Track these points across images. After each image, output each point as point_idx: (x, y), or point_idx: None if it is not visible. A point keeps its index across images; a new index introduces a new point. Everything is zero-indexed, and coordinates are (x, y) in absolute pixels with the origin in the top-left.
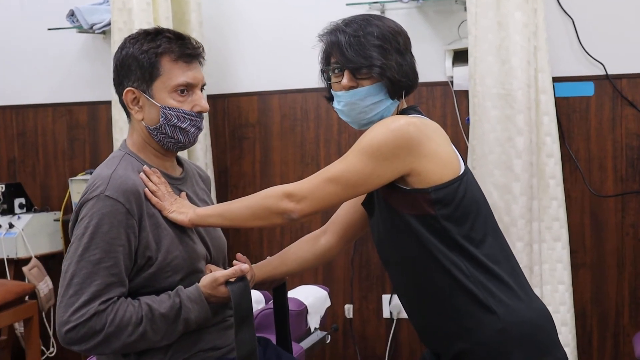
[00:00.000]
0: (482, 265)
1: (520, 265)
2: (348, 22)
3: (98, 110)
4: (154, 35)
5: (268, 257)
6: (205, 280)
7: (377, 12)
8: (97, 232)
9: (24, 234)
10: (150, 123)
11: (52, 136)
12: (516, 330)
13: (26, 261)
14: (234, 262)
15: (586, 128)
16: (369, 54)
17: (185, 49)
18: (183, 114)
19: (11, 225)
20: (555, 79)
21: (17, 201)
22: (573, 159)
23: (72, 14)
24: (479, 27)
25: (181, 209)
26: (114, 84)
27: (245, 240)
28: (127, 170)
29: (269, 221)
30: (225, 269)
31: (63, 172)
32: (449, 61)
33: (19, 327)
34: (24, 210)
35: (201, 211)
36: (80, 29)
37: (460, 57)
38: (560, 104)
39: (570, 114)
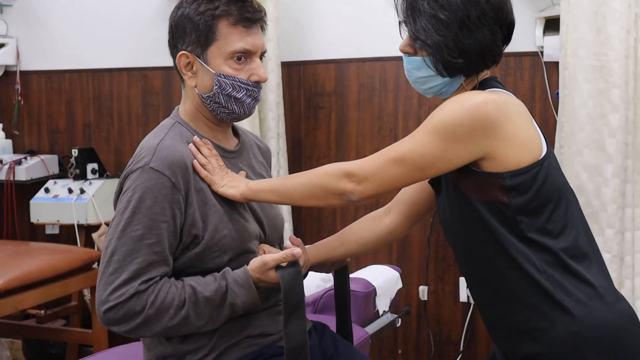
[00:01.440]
0: (558, 260)
1: (611, 255)
2: None
3: (172, 76)
4: None
5: (328, 237)
6: (254, 263)
7: None
8: (139, 207)
9: (95, 200)
10: (204, 91)
11: (126, 101)
12: (594, 334)
13: (96, 227)
14: (286, 244)
15: None
16: (425, 25)
17: (244, 12)
18: (239, 83)
19: (82, 191)
20: None
21: (90, 166)
22: None
23: None
24: None
25: (232, 183)
26: (169, 46)
27: (318, 214)
28: (175, 141)
29: (326, 201)
30: (281, 249)
31: (137, 137)
32: (539, 30)
33: (87, 294)
34: (96, 175)
35: (254, 185)
36: None
37: (553, 25)
38: None
39: None
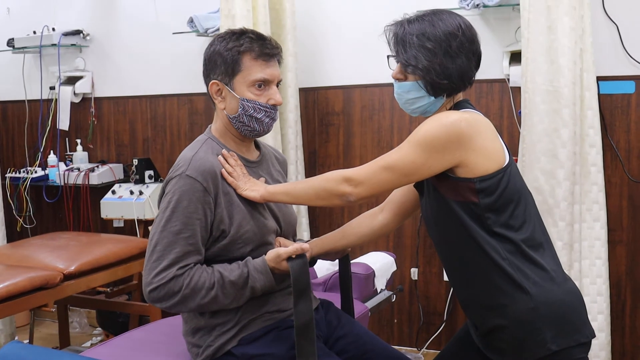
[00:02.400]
0: (518, 249)
1: (562, 243)
2: (412, 20)
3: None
4: (238, 35)
5: (333, 231)
6: (270, 254)
7: None
8: (177, 207)
9: (150, 199)
10: (231, 112)
11: (176, 120)
12: (547, 309)
13: (152, 222)
14: (297, 239)
15: (627, 122)
16: (415, 54)
17: (264, 48)
18: (259, 106)
19: (141, 192)
20: (600, 78)
21: (147, 173)
22: (614, 149)
23: (191, 21)
24: (531, 30)
25: (253, 187)
26: (203, 76)
27: (330, 211)
28: (207, 153)
29: (330, 202)
30: (294, 241)
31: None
32: (506, 61)
33: None
34: (152, 180)
35: (271, 188)
36: (198, 33)
37: (516, 57)
38: (604, 100)
39: (613, 109)
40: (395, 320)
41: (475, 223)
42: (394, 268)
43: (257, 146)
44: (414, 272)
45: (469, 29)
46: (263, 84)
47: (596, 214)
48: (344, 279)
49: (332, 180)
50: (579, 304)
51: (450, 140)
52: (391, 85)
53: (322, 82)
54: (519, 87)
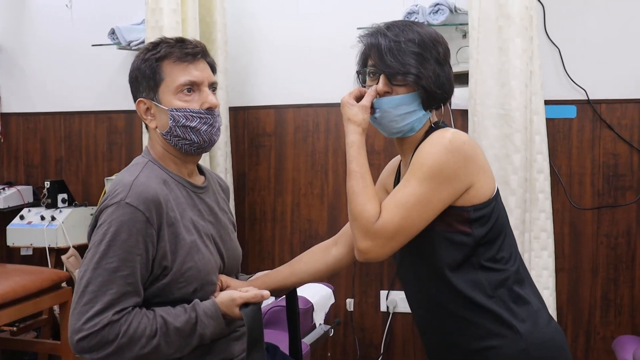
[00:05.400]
0: (506, 284)
1: None
2: (389, 26)
3: (133, 118)
4: (155, 45)
5: (280, 267)
6: (223, 297)
7: None
8: (115, 240)
9: (64, 226)
10: (162, 128)
11: (93, 139)
12: (538, 351)
13: (65, 250)
14: (240, 276)
15: (568, 147)
16: (406, 60)
17: (184, 49)
18: (190, 113)
19: (53, 218)
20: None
21: (60, 196)
22: (556, 174)
23: (112, 32)
24: (480, 51)
25: None
26: (133, 100)
27: (260, 237)
28: (150, 179)
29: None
30: (237, 278)
31: (102, 171)
32: None
33: (57, 309)
34: (66, 204)
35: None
36: (120, 46)
37: (457, 79)
38: (547, 124)
39: (555, 134)
40: (329, 354)
41: (462, 256)
42: (333, 300)
43: (201, 171)
44: (350, 303)
45: (444, 38)
46: (191, 87)
47: (544, 243)
48: (292, 318)
49: (364, 217)
50: (564, 344)
51: (458, 167)
52: (325, 105)
53: (253, 101)
54: (463, 110)
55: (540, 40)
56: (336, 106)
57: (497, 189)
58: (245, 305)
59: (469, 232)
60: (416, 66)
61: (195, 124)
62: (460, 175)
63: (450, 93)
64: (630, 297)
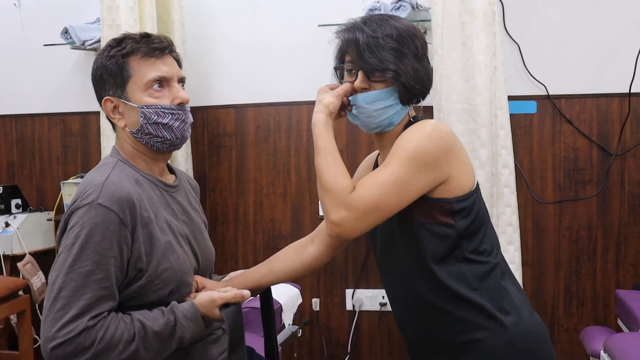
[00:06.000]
0: (490, 277)
1: None
2: (366, 21)
3: (89, 120)
4: (119, 41)
5: (256, 266)
6: (202, 298)
7: None
8: (88, 243)
9: (19, 232)
10: (132, 127)
11: (47, 143)
12: (523, 343)
13: (21, 257)
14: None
15: (529, 142)
16: (384, 56)
17: (151, 44)
18: (162, 109)
19: (7, 224)
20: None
21: (14, 202)
22: (518, 169)
23: (66, 32)
24: (444, 47)
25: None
26: (97, 99)
27: (222, 238)
28: (121, 178)
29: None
30: (211, 278)
31: (57, 175)
32: None
33: (14, 318)
34: (20, 210)
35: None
36: (74, 45)
37: None
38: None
39: (516, 129)
40: (295, 355)
41: (446, 248)
42: (300, 300)
43: (171, 170)
44: (315, 303)
45: (421, 31)
46: (161, 83)
47: (510, 237)
48: (267, 318)
49: (335, 194)
50: (548, 336)
51: (439, 155)
52: (287, 104)
53: (212, 100)
54: (425, 106)
55: (500, 37)
56: (297, 104)
57: (477, 183)
58: (225, 305)
59: (452, 224)
60: (394, 62)
61: (167, 120)
62: (440, 164)
63: (428, 87)
64: (592, 288)
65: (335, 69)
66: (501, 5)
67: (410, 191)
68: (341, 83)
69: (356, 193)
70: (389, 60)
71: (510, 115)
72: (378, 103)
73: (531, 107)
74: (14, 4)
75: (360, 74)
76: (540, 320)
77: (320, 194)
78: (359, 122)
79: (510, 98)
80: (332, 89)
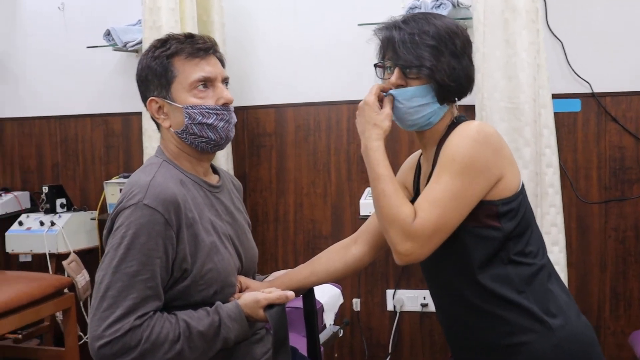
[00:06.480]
0: (536, 279)
1: None
2: (406, 20)
3: (130, 121)
4: (164, 42)
5: (299, 267)
6: (246, 299)
7: None
8: (134, 243)
9: (64, 231)
10: (177, 127)
11: (90, 143)
12: (570, 346)
13: (65, 256)
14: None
15: (574, 141)
16: (420, 53)
17: (195, 44)
18: (207, 110)
19: (53, 223)
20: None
21: (59, 201)
22: (562, 168)
23: (108, 34)
24: (486, 44)
25: None
26: (141, 100)
27: (262, 239)
28: (167, 179)
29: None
30: (254, 279)
31: (100, 175)
32: None
33: (59, 315)
34: (65, 209)
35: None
36: (116, 47)
37: None
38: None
39: (560, 128)
40: (336, 355)
41: (492, 251)
42: (341, 300)
43: (215, 170)
44: (356, 303)
45: (465, 30)
46: (206, 83)
47: (555, 238)
48: (310, 318)
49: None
50: (595, 339)
51: (487, 159)
52: (327, 104)
53: (252, 100)
54: (467, 105)
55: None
56: (337, 104)
57: (523, 183)
58: (269, 306)
59: (499, 226)
60: (430, 59)
61: (211, 120)
62: (491, 167)
63: (467, 86)
64: None
65: (376, 66)
66: (544, 2)
67: (468, 202)
68: (382, 80)
69: (419, 219)
70: (425, 57)
71: (554, 113)
72: (415, 100)
73: (575, 105)
74: (58, 8)
75: (396, 70)
76: (587, 322)
77: (383, 225)
78: (395, 118)
79: (554, 96)
80: (378, 96)
